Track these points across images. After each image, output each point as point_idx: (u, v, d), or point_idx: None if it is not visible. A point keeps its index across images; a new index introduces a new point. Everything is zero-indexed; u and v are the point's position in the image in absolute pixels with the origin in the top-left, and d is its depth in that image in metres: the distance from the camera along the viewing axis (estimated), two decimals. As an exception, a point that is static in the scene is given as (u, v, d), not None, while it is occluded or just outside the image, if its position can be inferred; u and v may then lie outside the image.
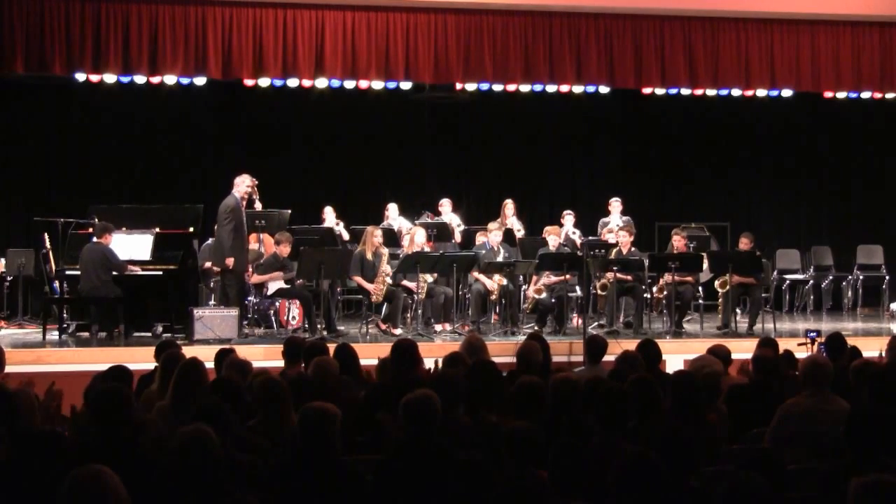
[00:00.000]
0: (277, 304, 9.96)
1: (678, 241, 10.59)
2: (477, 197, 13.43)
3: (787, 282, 12.92)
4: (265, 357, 7.63)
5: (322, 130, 13.46)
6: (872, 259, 13.04)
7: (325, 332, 9.26)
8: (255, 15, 10.35)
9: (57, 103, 12.55)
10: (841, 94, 11.72)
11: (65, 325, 9.70)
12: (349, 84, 10.93)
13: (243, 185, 9.71)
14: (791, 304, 12.99)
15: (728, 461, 4.19)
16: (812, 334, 7.82)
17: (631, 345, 6.79)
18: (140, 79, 10.56)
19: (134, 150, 12.95)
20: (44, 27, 9.98)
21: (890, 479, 3.05)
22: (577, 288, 10.41)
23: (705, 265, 10.28)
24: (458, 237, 11.19)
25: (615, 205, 11.66)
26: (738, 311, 10.66)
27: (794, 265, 13.16)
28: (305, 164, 13.26)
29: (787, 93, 11.57)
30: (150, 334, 9.53)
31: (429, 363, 6.18)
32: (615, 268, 9.98)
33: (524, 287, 10.63)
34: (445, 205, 11.54)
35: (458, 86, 11.45)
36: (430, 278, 10.00)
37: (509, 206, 11.42)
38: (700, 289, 10.70)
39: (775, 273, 12.68)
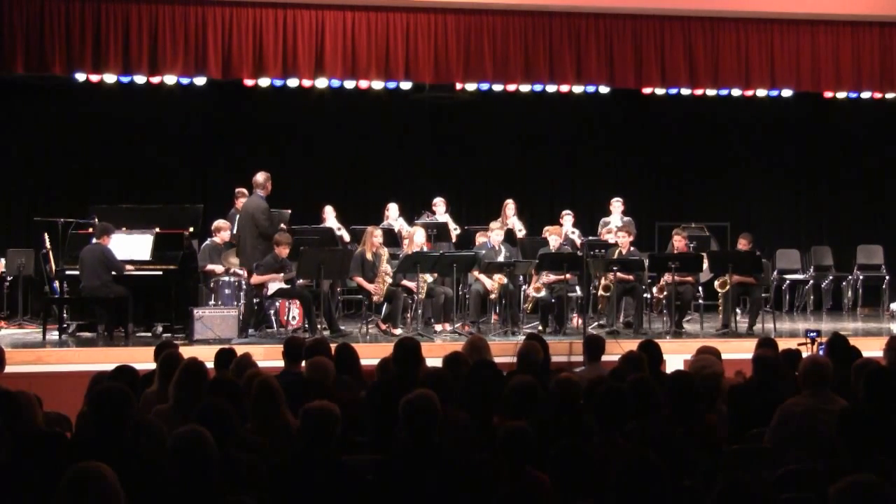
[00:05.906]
0: (277, 304, 9.96)
1: (678, 241, 10.59)
2: (477, 197, 13.44)
3: (787, 282, 12.92)
4: (265, 357, 7.62)
5: (322, 130, 13.45)
6: (872, 259, 13.04)
7: (325, 332, 9.25)
8: (255, 15, 10.35)
9: (57, 103, 12.55)
10: (841, 94, 11.71)
11: (65, 325, 9.70)
12: (349, 84, 10.92)
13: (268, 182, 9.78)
14: (791, 304, 12.98)
15: (728, 461, 4.19)
16: (812, 334, 7.81)
17: (631, 345, 6.80)
18: (140, 79, 10.55)
19: (134, 150, 12.94)
20: (44, 27, 9.97)
21: (867, 478, 3.04)
22: (577, 288, 10.40)
23: (705, 265, 10.28)
24: (453, 237, 11.15)
25: (616, 205, 11.65)
26: (738, 311, 10.66)
27: (794, 265, 13.16)
28: (305, 164, 13.25)
29: (787, 93, 11.57)
30: (150, 334, 9.55)
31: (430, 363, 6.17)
32: (615, 268, 9.98)
33: (524, 287, 10.62)
34: (439, 204, 11.42)
35: (458, 86, 11.45)
36: (430, 278, 10.00)
37: (510, 206, 11.41)
38: (700, 289, 10.70)
39: (775, 273, 12.67)
